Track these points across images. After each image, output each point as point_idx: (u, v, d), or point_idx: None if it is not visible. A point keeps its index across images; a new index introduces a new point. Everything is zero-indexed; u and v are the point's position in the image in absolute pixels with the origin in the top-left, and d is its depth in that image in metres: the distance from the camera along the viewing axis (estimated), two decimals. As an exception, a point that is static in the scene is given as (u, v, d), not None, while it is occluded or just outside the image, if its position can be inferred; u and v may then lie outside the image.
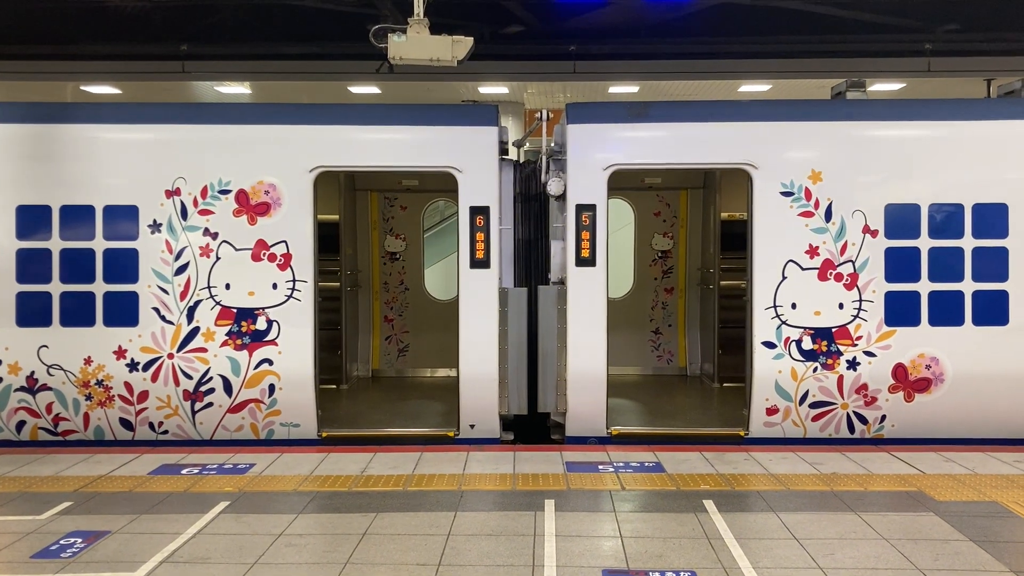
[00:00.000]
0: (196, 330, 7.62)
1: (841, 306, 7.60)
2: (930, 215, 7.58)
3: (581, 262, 7.72)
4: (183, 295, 7.62)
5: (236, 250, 7.63)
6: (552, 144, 8.13)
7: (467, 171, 7.71)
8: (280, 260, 7.64)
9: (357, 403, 9.53)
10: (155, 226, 7.61)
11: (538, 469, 6.83)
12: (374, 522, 5.67)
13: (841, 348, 7.60)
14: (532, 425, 8.35)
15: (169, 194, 7.62)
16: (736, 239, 9.01)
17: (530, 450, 7.47)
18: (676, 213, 10.93)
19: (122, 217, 7.59)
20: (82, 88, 14.45)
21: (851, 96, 8.15)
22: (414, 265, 10.96)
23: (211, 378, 7.64)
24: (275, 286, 7.64)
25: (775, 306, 7.61)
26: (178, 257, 7.62)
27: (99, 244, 7.60)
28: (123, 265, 7.59)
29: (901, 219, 7.60)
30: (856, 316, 7.60)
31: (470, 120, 7.85)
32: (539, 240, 8.69)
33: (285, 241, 7.63)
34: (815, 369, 7.62)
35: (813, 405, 7.69)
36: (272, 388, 7.67)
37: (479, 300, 7.75)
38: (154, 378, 7.63)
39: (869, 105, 8.04)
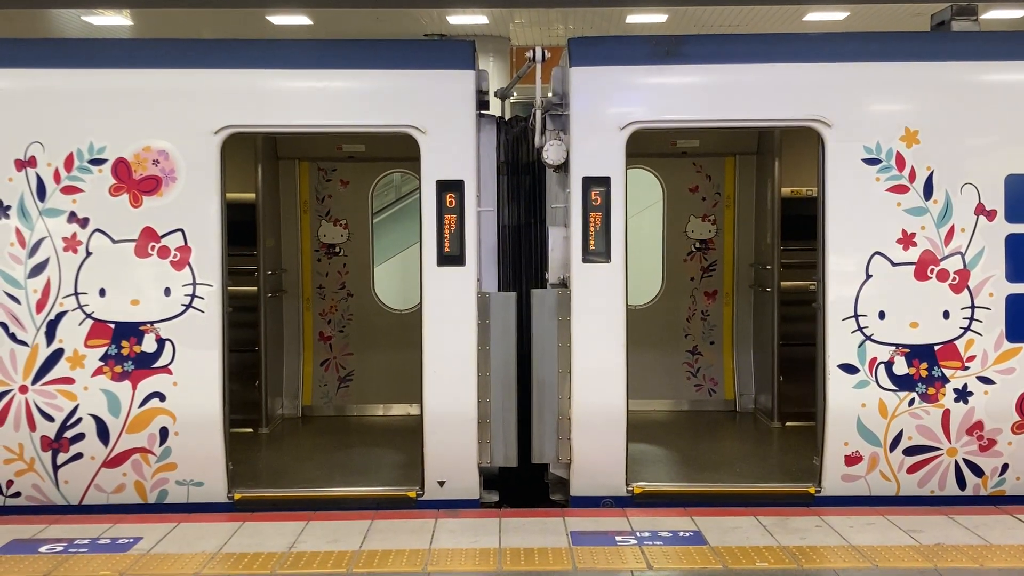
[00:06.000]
0: (59, 353, 7.62)
1: (947, 315, 7.68)
2: (1070, 190, 7.70)
3: (590, 256, 7.78)
4: (40, 305, 7.61)
5: (114, 242, 7.64)
6: (549, 94, 8.16)
7: (432, 132, 7.75)
8: (175, 256, 7.65)
9: (282, 453, 9.56)
10: (1, 210, 7.63)
11: (533, 542, 6.85)
12: (308, 616, 5.72)
13: (947, 373, 7.68)
14: (524, 481, 8.40)
15: (20, 165, 7.62)
16: (803, 224, 9.07)
17: (522, 515, 7.50)
18: (720, 189, 11.00)
19: (-46, 197, 7.61)
20: None
21: (958, 27, 8.23)
22: (360, 262, 10.98)
23: (80, 420, 7.64)
24: (168, 292, 7.65)
25: (856, 316, 7.68)
26: (33, 252, 7.62)
27: (-79, 235, 7.61)
28: (-44, 264, 7.60)
29: (1029, 196, 7.70)
30: (967, 329, 7.68)
31: (436, 61, 7.89)
32: (532, 227, 8.71)
33: (182, 230, 7.65)
34: (912, 401, 7.69)
35: (909, 451, 7.76)
36: (164, 433, 7.67)
37: (450, 310, 7.79)
38: (0, 420, 7.64)
39: (984, 39, 8.10)
